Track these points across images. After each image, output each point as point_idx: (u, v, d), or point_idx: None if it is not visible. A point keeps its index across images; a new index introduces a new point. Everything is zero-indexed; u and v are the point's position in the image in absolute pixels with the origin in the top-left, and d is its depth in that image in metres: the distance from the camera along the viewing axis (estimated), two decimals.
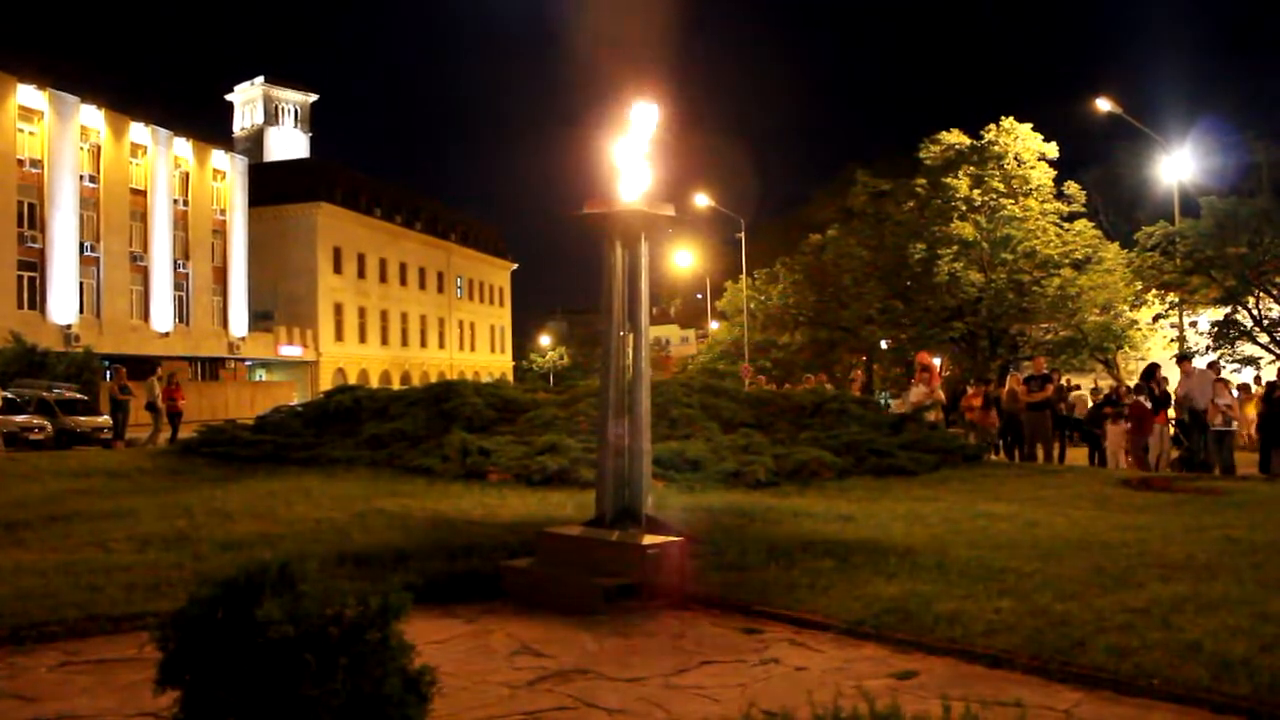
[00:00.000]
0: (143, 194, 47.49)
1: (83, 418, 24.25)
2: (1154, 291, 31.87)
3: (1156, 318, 32.14)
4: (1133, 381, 24.32)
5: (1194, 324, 31.36)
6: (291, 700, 2.89)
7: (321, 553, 7.18)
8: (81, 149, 43.81)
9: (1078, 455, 19.09)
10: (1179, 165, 31.68)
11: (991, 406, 19.13)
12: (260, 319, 56.70)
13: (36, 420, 22.90)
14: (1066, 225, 35.61)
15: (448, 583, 6.78)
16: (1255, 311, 30.20)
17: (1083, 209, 36.77)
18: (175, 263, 49.24)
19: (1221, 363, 24.88)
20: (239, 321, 53.80)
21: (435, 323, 74.51)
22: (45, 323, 40.49)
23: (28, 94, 41.19)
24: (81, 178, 43.49)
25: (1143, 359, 34.00)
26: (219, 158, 53.67)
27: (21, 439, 21.63)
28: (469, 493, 11.16)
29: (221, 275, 53.02)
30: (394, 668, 3.08)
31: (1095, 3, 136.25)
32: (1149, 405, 16.72)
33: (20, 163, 40.70)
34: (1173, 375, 18.38)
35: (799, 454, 13.08)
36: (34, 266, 41.35)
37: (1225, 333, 30.07)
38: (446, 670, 4.36)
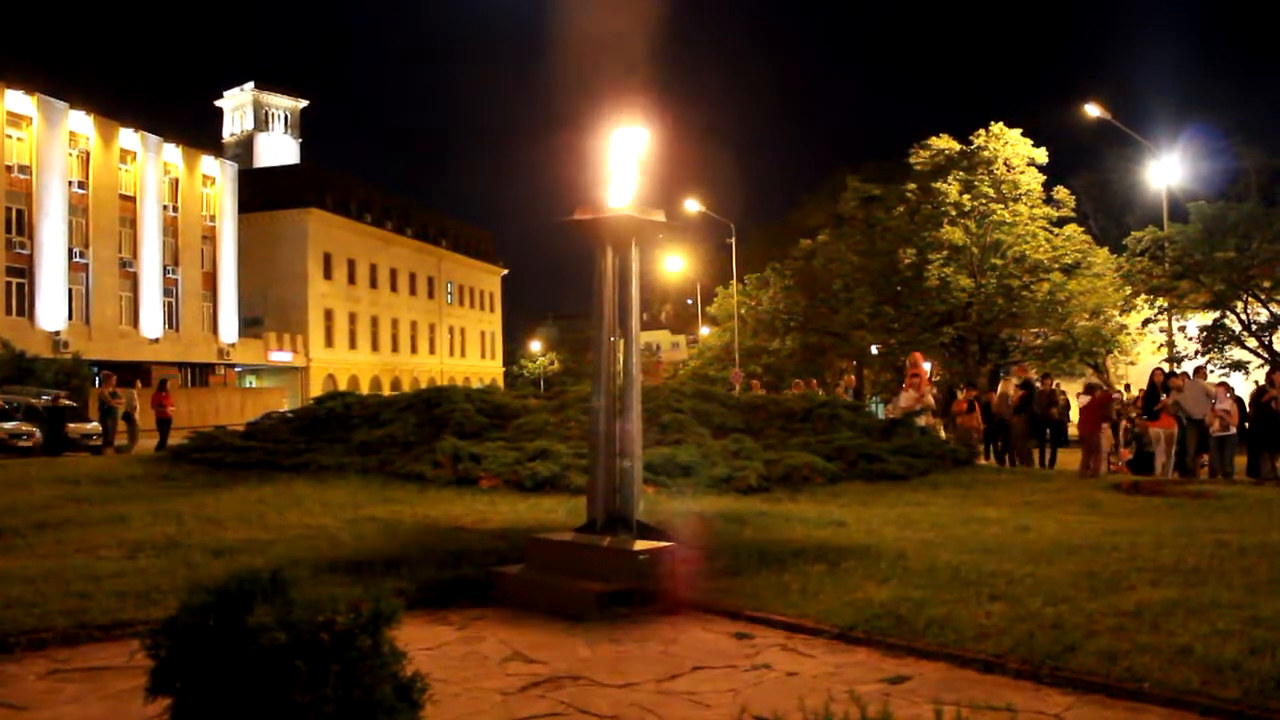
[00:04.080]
0: (132, 200, 47.32)
1: (72, 424, 24.13)
2: (1143, 296, 32.00)
3: (1146, 322, 32.27)
4: (1123, 385, 24.39)
5: (1183, 328, 31.49)
6: (283, 707, 2.88)
7: (313, 559, 7.17)
8: (70, 155, 43.63)
9: (1069, 460, 19.13)
10: (1168, 170, 31.84)
11: (974, 409, 19.17)
12: (250, 325, 56.52)
13: (25, 427, 22.80)
14: (1056, 230, 35.74)
15: (439, 589, 6.77)
16: (1243, 316, 30.33)
17: (1072, 214, 36.91)
18: (165, 268, 49.06)
19: (1209, 367, 24.96)
20: (229, 327, 53.63)
21: (426, 328, 74.39)
22: (34, 329, 40.28)
23: (16, 99, 41.03)
24: (70, 184, 43.32)
25: (1132, 363, 34.14)
26: (209, 163, 53.51)
27: (10, 446, 21.53)
28: (460, 499, 11.15)
29: (211, 281, 52.84)
30: (386, 674, 3.07)
31: (1084, 8, 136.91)
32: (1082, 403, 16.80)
33: (9, 169, 40.51)
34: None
35: (790, 459, 13.09)
36: (22, 272, 41.17)
37: (1214, 337, 30.20)
38: (438, 677, 4.36)
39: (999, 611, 5.73)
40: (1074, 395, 22.89)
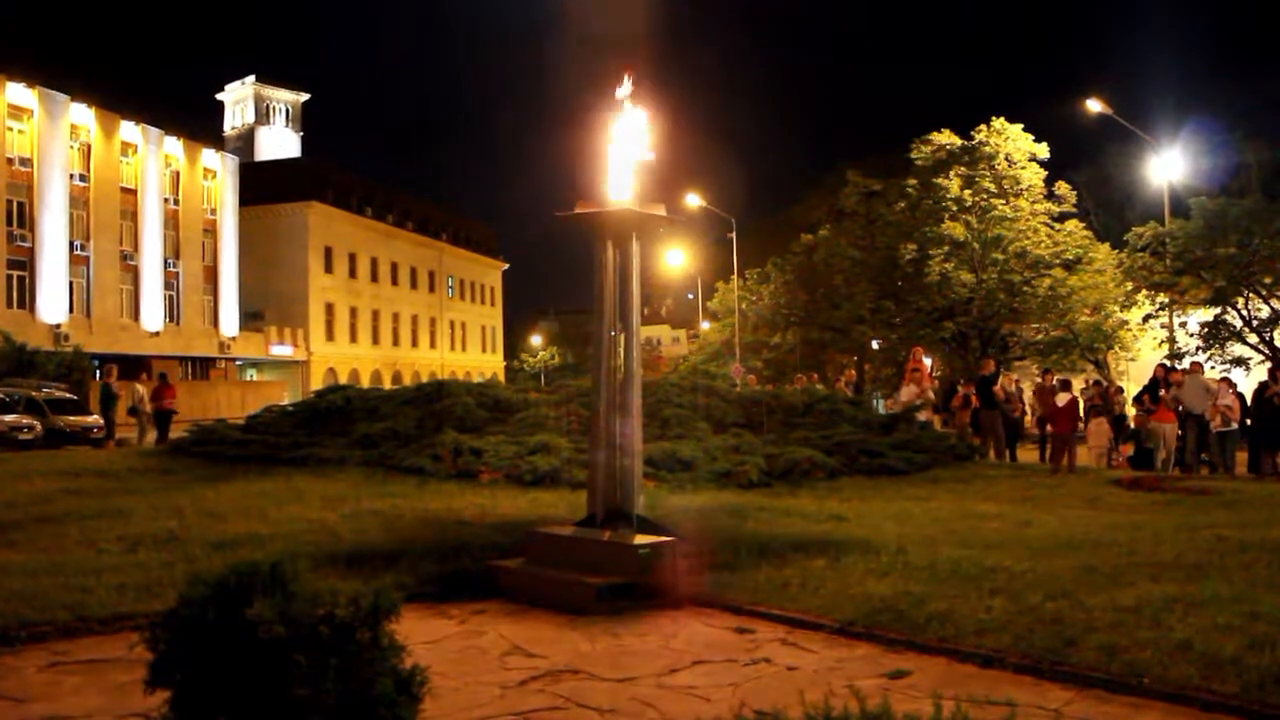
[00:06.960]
0: (133, 193, 47.30)
1: (72, 417, 24.11)
2: (1144, 292, 31.93)
3: (1147, 318, 32.20)
4: (1126, 381, 24.35)
5: (1184, 324, 31.44)
6: (282, 700, 2.88)
7: (312, 553, 7.17)
8: (71, 147, 43.61)
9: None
10: (1169, 166, 31.78)
11: (968, 405, 19.18)
12: (251, 318, 56.52)
13: (26, 420, 22.78)
14: (1057, 225, 35.71)
15: (439, 583, 6.77)
16: (1245, 312, 30.28)
17: (1073, 209, 36.86)
18: (166, 262, 49.05)
19: (1209, 364, 24.93)
20: (230, 321, 53.64)
21: (426, 322, 74.38)
22: (35, 322, 40.29)
23: (17, 92, 41.00)
24: (71, 176, 43.30)
25: (1133, 359, 34.10)
26: (210, 156, 53.49)
27: (11, 438, 21.52)
28: (460, 493, 11.14)
29: (212, 274, 52.85)
30: (385, 668, 3.07)
31: (1085, 4, 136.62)
32: (1061, 402, 16.71)
33: (10, 161, 40.50)
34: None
35: (791, 454, 13.08)
36: (23, 265, 41.17)
37: (1215, 333, 30.15)
38: (438, 670, 4.35)
39: (999, 606, 5.73)
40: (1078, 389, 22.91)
